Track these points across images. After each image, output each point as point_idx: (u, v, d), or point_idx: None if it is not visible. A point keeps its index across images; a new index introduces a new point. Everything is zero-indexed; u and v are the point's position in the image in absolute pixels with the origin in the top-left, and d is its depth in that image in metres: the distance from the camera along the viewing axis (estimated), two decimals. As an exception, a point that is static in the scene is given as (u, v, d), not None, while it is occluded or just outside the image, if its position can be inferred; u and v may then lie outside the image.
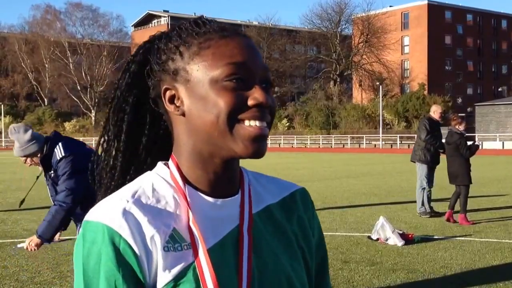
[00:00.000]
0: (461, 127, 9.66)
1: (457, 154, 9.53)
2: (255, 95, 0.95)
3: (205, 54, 0.97)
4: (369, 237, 8.06)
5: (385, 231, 7.80)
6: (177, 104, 0.99)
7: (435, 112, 10.45)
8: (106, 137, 1.08)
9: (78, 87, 77.85)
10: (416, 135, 10.92)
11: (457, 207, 9.50)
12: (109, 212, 0.94)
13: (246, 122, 0.95)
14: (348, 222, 9.63)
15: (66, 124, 74.15)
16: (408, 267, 6.50)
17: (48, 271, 6.43)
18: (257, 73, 0.98)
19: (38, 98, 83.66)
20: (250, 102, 0.95)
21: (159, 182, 1.01)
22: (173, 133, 1.04)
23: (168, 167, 1.03)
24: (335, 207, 11.61)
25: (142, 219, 0.94)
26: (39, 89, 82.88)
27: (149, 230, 0.94)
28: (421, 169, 10.37)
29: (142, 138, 1.08)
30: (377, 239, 7.88)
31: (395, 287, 5.76)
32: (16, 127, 4.38)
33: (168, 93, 1.00)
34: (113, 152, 1.07)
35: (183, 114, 0.99)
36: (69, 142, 4.43)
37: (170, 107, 1.00)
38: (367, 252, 7.31)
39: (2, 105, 75.44)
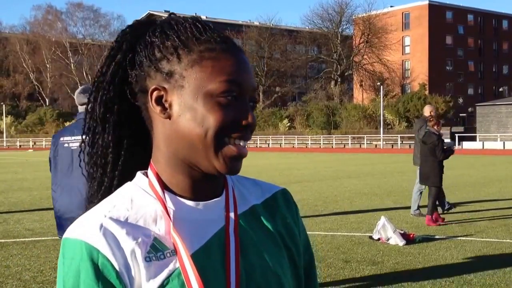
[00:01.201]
0: (437, 128, 9.66)
1: (431, 155, 9.53)
2: (248, 118, 0.96)
3: (205, 64, 0.95)
4: (371, 237, 8.08)
5: (387, 231, 7.81)
6: (165, 106, 0.97)
7: (431, 112, 10.45)
8: (92, 130, 1.04)
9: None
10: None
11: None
12: (86, 228, 0.93)
13: (232, 141, 0.96)
14: (349, 222, 9.65)
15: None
16: (409, 267, 6.52)
17: (50, 271, 6.44)
18: (249, 92, 0.98)
19: (40, 98, 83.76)
20: (244, 123, 0.96)
21: (137, 193, 0.99)
22: (153, 132, 1.01)
23: (147, 176, 1.01)
24: (336, 207, 11.61)
25: (120, 233, 0.93)
26: (41, 89, 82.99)
27: (128, 243, 0.93)
28: None
29: (125, 131, 1.04)
30: (379, 239, 7.89)
31: (396, 286, 5.78)
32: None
33: (156, 93, 0.97)
34: (103, 146, 1.03)
35: (169, 118, 0.97)
36: (73, 128, 4.23)
37: (156, 108, 0.97)
38: (368, 252, 7.32)
39: (4, 105, 75.53)
